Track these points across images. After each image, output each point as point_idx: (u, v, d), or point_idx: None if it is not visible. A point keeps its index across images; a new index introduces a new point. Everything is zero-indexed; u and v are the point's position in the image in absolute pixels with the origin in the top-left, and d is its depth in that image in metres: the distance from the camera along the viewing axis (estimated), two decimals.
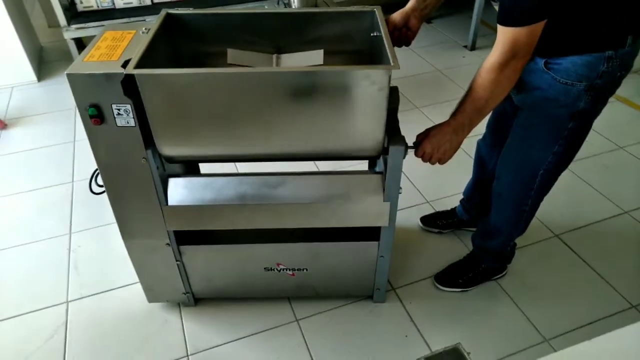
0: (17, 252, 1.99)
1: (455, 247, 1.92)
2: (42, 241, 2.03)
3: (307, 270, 1.63)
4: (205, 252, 1.57)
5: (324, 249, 1.57)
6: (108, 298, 1.78)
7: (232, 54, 1.44)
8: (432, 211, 2.09)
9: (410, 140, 1.38)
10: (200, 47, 1.50)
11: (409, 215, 2.08)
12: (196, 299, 1.73)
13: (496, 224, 1.64)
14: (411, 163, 2.32)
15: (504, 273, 1.81)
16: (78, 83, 1.21)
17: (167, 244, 1.52)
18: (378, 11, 1.39)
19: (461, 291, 1.75)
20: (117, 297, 1.77)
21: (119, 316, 1.71)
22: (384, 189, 1.40)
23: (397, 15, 1.45)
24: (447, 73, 3.21)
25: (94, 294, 1.79)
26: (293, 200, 1.40)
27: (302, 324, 1.67)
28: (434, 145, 1.33)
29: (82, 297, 1.79)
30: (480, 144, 1.77)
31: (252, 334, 1.65)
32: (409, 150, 1.40)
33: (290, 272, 1.63)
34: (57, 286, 1.83)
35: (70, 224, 2.10)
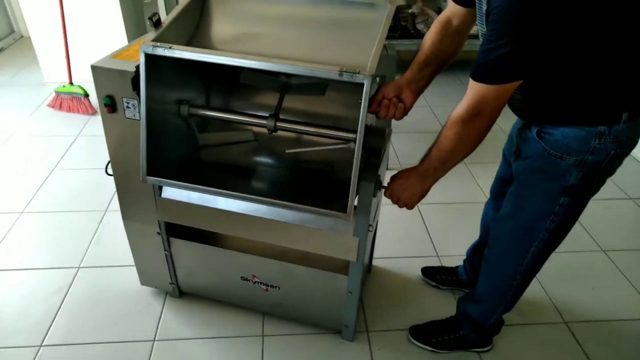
0: (56, 216, 2.27)
1: (447, 306, 1.83)
2: (80, 212, 2.29)
3: (279, 288, 1.66)
4: (190, 247, 1.68)
5: (295, 270, 1.60)
6: (111, 272, 1.96)
7: (244, 74, 1.56)
8: (437, 264, 2.02)
9: None
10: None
11: (414, 265, 2.02)
12: (181, 292, 1.84)
13: (481, 290, 1.55)
14: (432, 215, 2.29)
15: (488, 347, 1.68)
16: (99, 75, 1.40)
17: (158, 232, 1.65)
18: (367, 81, 1.16)
19: (432, 351, 1.66)
20: (118, 274, 1.94)
21: (113, 290, 1.88)
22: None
23: (390, 86, 1.34)
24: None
25: (101, 266, 1.99)
26: (270, 215, 1.46)
27: (266, 340, 1.70)
28: (400, 189, 1.33)
29: (91, 267, 1.99)
30: (486, 208, 1.70)
31: (217, 337, 1.71)
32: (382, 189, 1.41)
33: (264, 287, 1.68)
34: (76, 252, 2.05)
35: (110, 203, 2.35)
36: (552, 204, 1.24)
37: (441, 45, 1.33)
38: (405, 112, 1.35)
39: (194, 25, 1.45)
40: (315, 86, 1.45)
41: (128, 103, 1.43)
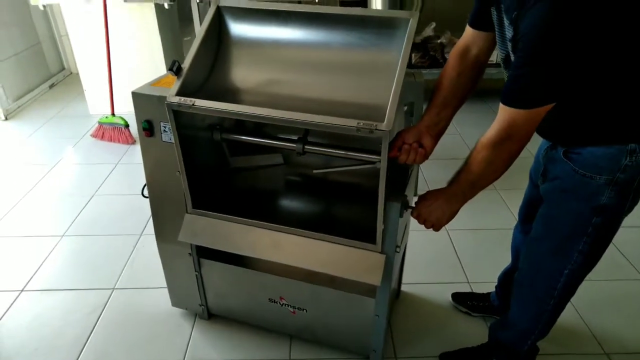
0: (94, 239, 2.36)
1: (478, 333, 1.77)
2: (117, 235, 2.38)
3: (306, 311, 1.66)
4: (219, 268, 1.71)
5: (322, 293, 1.60)
6: (144, 294, 2.01)
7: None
8: (468, 290, 1.97)
9: None
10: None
11: (444, 290, 1.99)
12: (210, 314, 1.87)
13: (513, 315, 1.50)
14: (462, 240, 2.26)
15: None
16: (138, 100, 1.49)
17: (189, 253, 1.70)
18: (384, 139, 1.18)
19: None
20: (151, 295, 1.99)
21: (145, 311, 1.92)
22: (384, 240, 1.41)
23: (410, 132, 1.32)
24: None
25: (135, 288, 2.04)
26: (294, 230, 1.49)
27: None
28: (428, 210, 1.33)
29: (125, 288, 2.05)
30: (515, 232, 1.67)
31: None
32: (409, 209, 1.41)
33: (292, 310, 1.69)
34: (111, 274, 2.12)
35: (145, 227, 2.43)
36: (584, 225, 1.22)
37: (459, 81, 1.32)
38: (425, 157, 1.33)
39: (210, 65, 1.51)
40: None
41: (165, 127, 1.50)
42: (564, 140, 1.20)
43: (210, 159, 1.66)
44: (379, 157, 1.27)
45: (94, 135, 3.40)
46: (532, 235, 1.35)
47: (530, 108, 1.07)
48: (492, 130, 1.14)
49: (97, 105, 3.76)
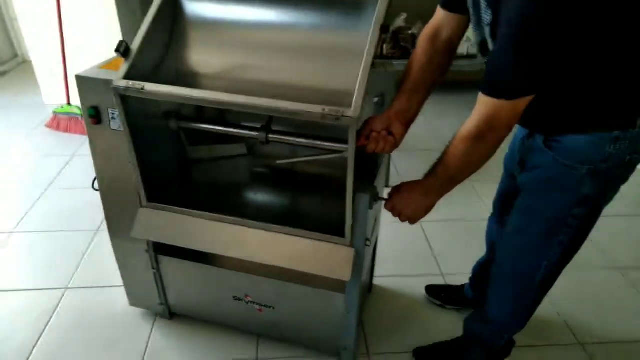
0: (46, 236, 2.21)
1: (453, 326, 1.72)
2: (72, 232, 2.23)
3: (273, 308, 1.57)
4: (180, 266, 1.60)
5: (290, 289, 1.51)
6: (100, 293, 1.88)
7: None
8: (442, 283, 1.92)
9: None
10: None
11: (417, 284, 1.92)
12: (172, 313, 1.75)
13: (490, 310, 1.44)
14: (435, 232, 2.20)
15: None
16: (83, 85, 1.36)
17: (146, 250, 1.58)
18: (352, 127, 1.10)
19: None
20: (108, 295, 1.86)
21: (100, 312, 1.79)
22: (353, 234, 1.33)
23: (378, 119, 1.23)
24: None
25: (91, 287, 1.91)
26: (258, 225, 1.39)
27: None
28: (403, 203, 1.25)
29: (80, 287, 1.91)
30: (490, 223, 1.61)
31: None
32: (379, 201, 1.33)
33: (258, 308, 1.59)
34: (65, 272, 1.98)
35: (102, 223, 2.28)
36: (565, 216, 1.16)
37: (430, 65, 1.22)
38: (395, 145, 1.23)
39: (163, 46, 1.39)
40: None
41: (113, 114, 1.37)
42: (543, 128, 1.14)
43: (167, 149, 1.54)
44: (346, 146, 1.19)
45: (49, 126, 3.20)
46: (510, 228, 1.29)
47: (514, 98, 0.99)
48: (472, 122, 1.06)
49: (52, 94, 3.54)
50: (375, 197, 1.31)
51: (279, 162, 1.39)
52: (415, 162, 2.74)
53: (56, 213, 2.37)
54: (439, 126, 3.23)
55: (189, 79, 1.41)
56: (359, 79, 1.16)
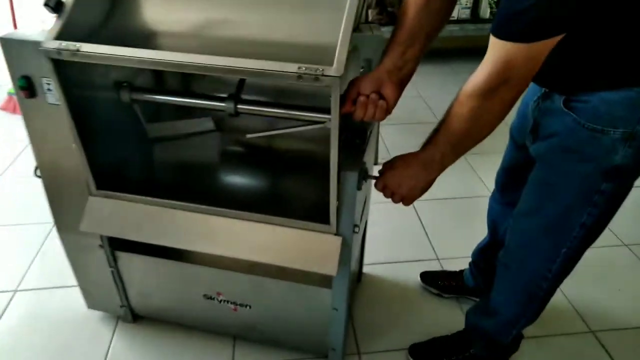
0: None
1: (451, 318, 1.55)
2: (26, 225, 1.99)
3: (250, 307, 1.37)
4: (141, 262, 1.39)
5: (268, 285, 1.31)
6: (55, 294, 1.66)
7: None
8: (438, 269, 1.74)
9: None
10: None
11: (411, 270, 1.74)
12: (135, 316, 1.54)
13: (497, 301, 1.27)
14: (428, 213, 2.02)
15: None
16: (10, 49, 1.12)
17: (100, 245, 1.36)
18: (335, 86, 0.89)
19: None
20: (64, 296, 1.64)
21: (55, 316, 1.57)
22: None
23: (366, 79, 0.99)
24: (509, 119, 2.82)
25: (45, 288, 1.68)
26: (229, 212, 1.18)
27: None
28: (397, 180, 1.05)
29: (32, 289, 1.68)
30: (492, 202, 1.43)
31: None
32: (369, 180, 1.14)
33: (232, 307, 1.39)
34: (16, 272, 1.75)
35: None
36: (590, 192, 0.97)
37: (428, 11, 0.99)
38: (387, 111, 1.01)
39: (107, 4, 1.15)
40: None
41: (49, 85, 1.14)
42: (565, 86, 0.94)
43: (120, 127, 1.32)
44: (328, 116, 0.98)
45: (3, 108, 2.92)
46: (521, 208, 1.10)
47: (534, 41, 0.79)
48: (481, 74, 0.86)
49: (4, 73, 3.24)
50: (365, 175, 1.11)
51: (248, 136, 1.17)
52: (405, 136, 2.56)
53: (9, 204, 2.13)
54: (429, 97, 3.02)
55: (140, 38, 1.17)
56: (341, 29, 0.95)
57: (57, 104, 1.14)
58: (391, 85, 0.99)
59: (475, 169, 2.33)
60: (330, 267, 1.13)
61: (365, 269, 1.75)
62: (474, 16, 3.51)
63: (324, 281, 1.26)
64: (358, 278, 1.71)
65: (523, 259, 1.12)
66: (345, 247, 1.15)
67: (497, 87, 0.85)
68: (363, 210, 1.33)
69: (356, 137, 1.15)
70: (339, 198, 1.09)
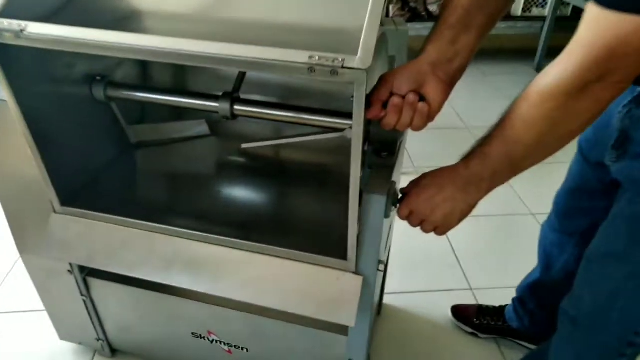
0: None
1: None
2: None
3: (247, 350, 1.14)
4: (117, 291, 1.15)
5: (269, 327, 1.07)
6: (26, 320, 1.43)
7: None
8: (473, 302, 1.48)
9: None
10: None
11: (440, 302, 1.49)
12: (114, 350, 1.31)
13: None
14: (459, 232, 1.76)
15: None
16: None
17: (69, 271, 1.13)
18: (359, 81, 0.66)
19: None
20: (35, 323, 1.41)
21: (23, 347, 1.35)
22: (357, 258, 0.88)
23: (403, 74, 0.73)
24: None
25: (14, 312, 1.46)
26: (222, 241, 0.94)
27: None
28: (428, 205, 0.79)
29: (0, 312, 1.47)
30: (546, 230, 1.16)
31: None
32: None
33: (226, 349, 1.15)
34: None
35: None
36: None
37: None
38: (430, 118, 0.75)
39: None
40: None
41: None
42: None
43: (94, 130, 1.09)
44: (349, 122, 0.74)
45: None
46: (600, 249, 0.84)
47: None
48: (570, 63, 0.61)
49: None
50: (395, 199, 0.86)
51: (244, 146, 0.93)
52: (433, 143, 2.29)
53: None
54: (455, 100, 2.74)
55: (115, 20, 0.94)
56: (369, 7, 0.70)
57: (4, 101, 0.91)
58: (437, 83, 0.73)
59: (511, 182, 2.06)
60: (346, 316, 0.88)
61: (387, 299, 1.49)
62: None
63: (339, 325, 1.01)
64: (378, 311, 1.46)
65: (601, 315, 0.86)
66: (367, 289, 0.90)
67: (594, 80, 0.59)
68: (387, 240, 1.08)
69: (383, 149, 0.90)
70: (360, 227, 0.84)
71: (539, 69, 3.23)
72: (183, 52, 0.73)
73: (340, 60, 0.66)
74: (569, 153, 1.09)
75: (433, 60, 0.73)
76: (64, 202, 1.01)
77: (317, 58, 0.66)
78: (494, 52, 3.35)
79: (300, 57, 0.67)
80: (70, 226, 1.02)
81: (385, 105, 0.73)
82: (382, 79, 0.74)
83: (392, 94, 0.73)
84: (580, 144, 0.99)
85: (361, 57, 0.66)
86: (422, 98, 0.73)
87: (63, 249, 1.02)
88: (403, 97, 0.72)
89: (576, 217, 1.03)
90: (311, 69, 0.66)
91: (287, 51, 0.68)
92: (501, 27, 3.21)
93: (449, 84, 0.74)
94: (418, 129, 0.75)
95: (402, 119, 0.73)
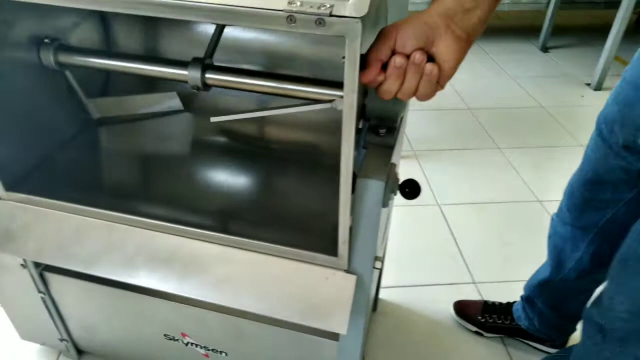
0: None
1: None
2: None
3: (226, 354, 1.01)
4: (78, 288, 1.01)
5: (249, 329, 0.94)
6: None
7: None
8: (477, 297, 1.36)
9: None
10: None
11: (441, 297, 1.36)
12: (80, 351, 1.19)
13: None
14: (460, 219, 1.64)
15: None
16: None
17: (22, 265, 0.99)
18: (352, 33, 0.52)
19: None
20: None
21: None
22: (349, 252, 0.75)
23: (408, 29, 0.58)
24: (555, 112, 2.38)
25: None
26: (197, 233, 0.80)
27: None
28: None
29: None
30: (556, 224, 1.03)
31: None
32: (397, 190, 0.75)
33: (203, 352, 1.03)
34: None
35: None
36: None
37: None
38: (440, 84, 0.61)
39: None
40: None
41: None
42: None
43: (45, 102, 0.94)
44: (340, 92, 0.60)
45: None
46: (638, 249, 0.71)
47: None
48: None
49: None
50: (394, 186, 0.72)
51: (213, 119, 0.78)
52: (430, 124, 2.15)
53: None
54: (456, 80, 2.60)
55: None
56: None
57: None
58: (450, 40, 0.58)
59: (516, 167, 1.93)
60: (337, 322, 0.74)
61: (382, 294, 1.37)
62: None
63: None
64: (373, 307, 1.33)
65: (629, 331, 0.72)
66: (361, 290, 0.77)
67: None
68: (384, 232, 0.94)
69: (381, 126, 0.76)
70: (353, 219, 0.71)
71: (543, 48, 3.08)
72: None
73: (328, 6, 0.51)
74: (580, 135, 0.96)
75: (446, 11, 0.57)
76: (9, 186, 0.87)
77: (298, 4, 0.52)
78: (497, 30, 3.20)
79: (277, 2, 0.53)
80: (16, 214, 0.88)
81: (385, 67, 0.59)
82: (382, 34, 0.59)
83: (393, 53, 0.58)
84: (599, 125, 0.85)
85: (355, 3, 0.51)
86: (430, 59, 0.59)
87: (7, 241, 0.88)
88: (407, 57, 0.58)
89: (592, 210, 0.90)
90: (291, 17, 0.52)
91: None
92: (505, 4, 3.05)
93: (466, 41, 0.59)
94: (425, 97, 0.61)
95: (406, 84, 0.59)
